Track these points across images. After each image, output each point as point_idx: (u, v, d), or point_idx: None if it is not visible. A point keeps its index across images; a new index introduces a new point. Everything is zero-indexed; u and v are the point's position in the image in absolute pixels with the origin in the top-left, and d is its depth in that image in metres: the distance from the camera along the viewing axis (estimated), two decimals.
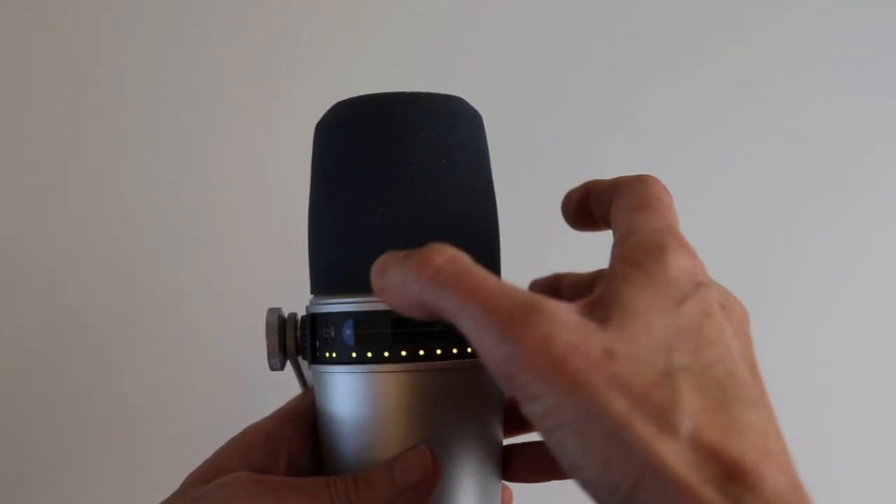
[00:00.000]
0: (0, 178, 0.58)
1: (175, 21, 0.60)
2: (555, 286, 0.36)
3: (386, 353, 0.31)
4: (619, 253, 0.26)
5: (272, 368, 0.34)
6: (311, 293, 0.34)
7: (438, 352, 0.31)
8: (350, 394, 0.32)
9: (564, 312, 0.24)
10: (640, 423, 0.22)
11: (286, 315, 0.34)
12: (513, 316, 0.23)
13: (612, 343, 0.23)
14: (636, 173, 0.30)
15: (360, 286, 0.31)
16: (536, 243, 0.64)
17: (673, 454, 0.22)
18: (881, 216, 0.68)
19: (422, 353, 0.31)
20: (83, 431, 0.58)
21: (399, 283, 0.26)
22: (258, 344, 0.58)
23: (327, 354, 0.32)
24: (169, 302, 0.59)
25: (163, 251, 0.59)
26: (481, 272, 0.25)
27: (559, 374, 0.22)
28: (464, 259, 0.25)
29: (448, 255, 0.25)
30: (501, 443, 0.34)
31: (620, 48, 0.66)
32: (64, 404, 0.57)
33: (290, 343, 0.34)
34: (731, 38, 0.67)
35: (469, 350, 0.31)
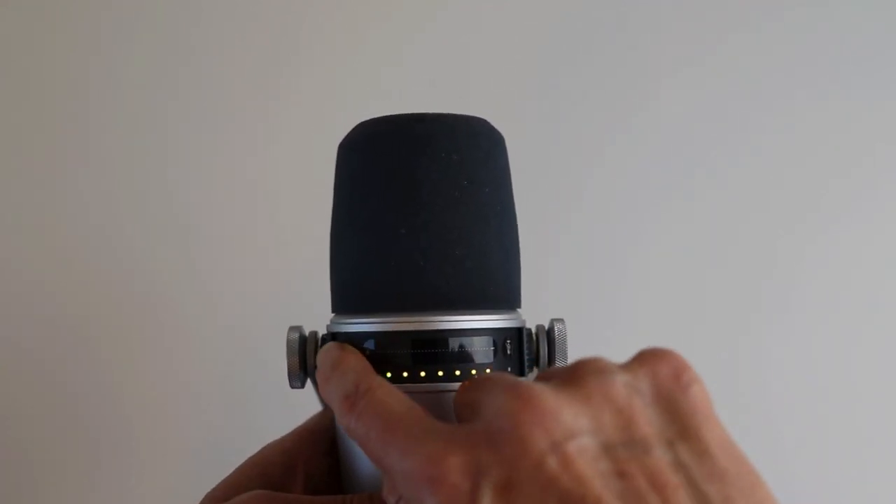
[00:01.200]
0: None
1: (174, 22, 0.61)
2: None
3: (405, 374, 0.31)
4: None
5: (292, 386, 0.34)
6: (332, 311, 0.34)
7: (457, 373, 0.31)
8: None
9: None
10: None
11: (307, 333, 0.35)
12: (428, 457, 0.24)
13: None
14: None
15: (381, 306, 0.32)
16: (536, 246, 0.64)
17: None
18: (882, 216, 0.67)
19: (440, 373, 0.31)
20: (80, 433, 0.58)
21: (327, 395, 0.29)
22: (257, 349, 0.59)
23: None
24: (168, 304, 0.59)
25: (162, 252, 0.59)
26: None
27: None
28: (379, 401, 0.27)
29: (369, 394, 0.28)
30: None
31: (622, 50, 0.66)
32: (61, 406, 0.58)
33: (311, 361, 0.34)
34: (734, 38, 0.67)
35: (488, 372, 0.31)
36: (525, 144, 0.64)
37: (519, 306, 0.35)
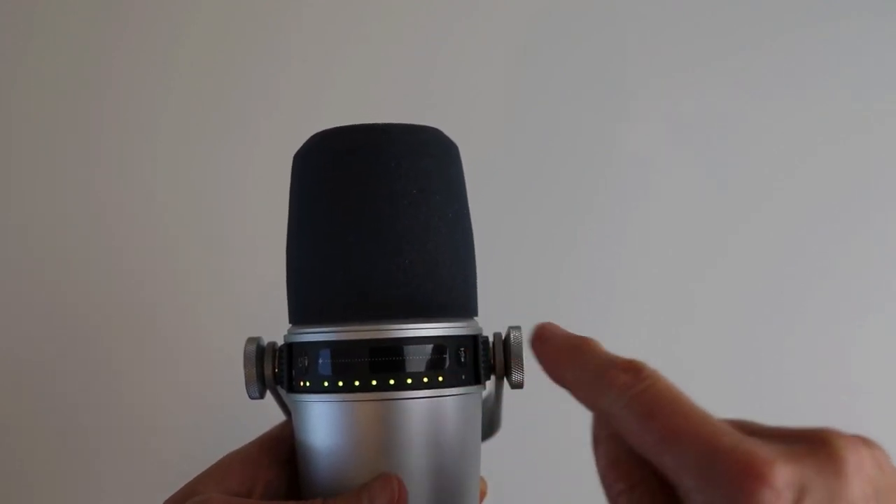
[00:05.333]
0: None
1: (164, 29, 0.62)
2: None
3: (356, 383, 0.31)
4: None
5: (251, 397, 0.34)
6: (290, 322, 0.34)
7: (409, 381, 0.31)
8: (321, 422, 0.32)
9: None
10: None
11: (265, 344, 0.35)
12: (744, 460, 0.23)
13: None
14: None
15: (335, 316, 0.32)
16: (526, 254, 0.64)
17: None
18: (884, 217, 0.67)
19: (392, 382, 0.31)
20: (78, 433, 0.59)
21: (587, 377, 0.26)
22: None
23: (301, 383, 0.32)
24: (166, 304, 0.60)
25: (160, 252, 0.60)
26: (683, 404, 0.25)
27: None
28: (666, 386, 0.25)
29: (649, 378, 0.25)
30: (478, 471, 0.34)
31: (611, 46, 0.66)
32: (59, 406, 0.59)
33: (269, 372, 0.34)
34: (738, 34, 0.67)
35: (441, 379, 0.31)
36: (524, 151, 0.65)
37: (475, 314, 0.35)
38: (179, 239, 0.61)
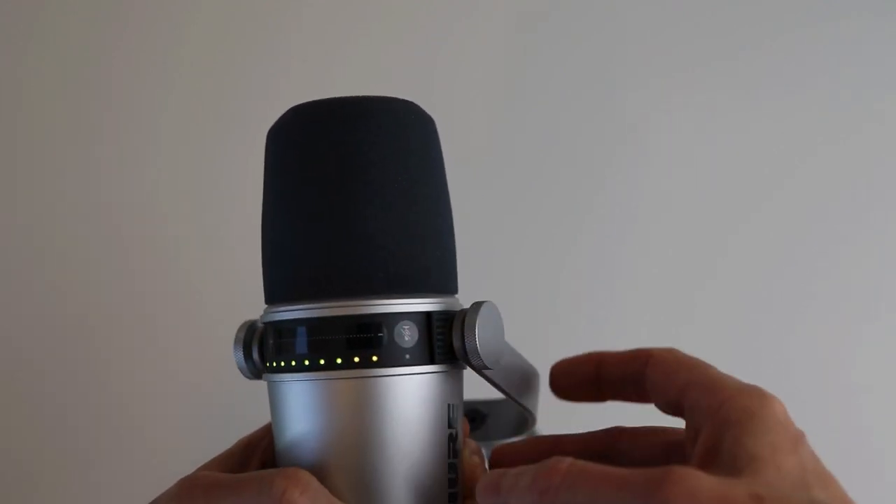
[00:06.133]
0: None
1: (164, 28, 0.62)
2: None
3: (338, 360, 0.30)
4: (719, 403, 0.28)
5: (247, 377, 0.35)
6: (266, 303, 0.34)
7: (374, 358, 0.30)
8: (289, 401, 0.31)
9: (695, 471, 0.24)
10: None
11: (257, 327, 0.34)
12: (650, 481, 0.24)
13: (755, 488, 0.24)
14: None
15: (308, 293, 0.31)
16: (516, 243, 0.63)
17: None
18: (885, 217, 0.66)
19: (339, 361, 0.30)
20: (75, 432, 0.58)
21: (524, 498, 0.27)
22: None
23: (272, 363, 0.32)
24: (163, 302, 0.60)
25: (159, 251, 0.60)
26: (599, 470, 0.26)
27: None
28: (580, 461, 0.27)
29: (568, 461, 0.27)
30: (446, 453, 0.32)
31: (607, 55, 0.66)
32: (56, 404, 0.58)
33: (257, 355, 0.34)
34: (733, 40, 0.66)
35: (375, 359, 0.30)
36: (524, 151, 0.65)
37: (455, 291, 0.34)
38: (179, 238, 0.61)
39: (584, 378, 0.35)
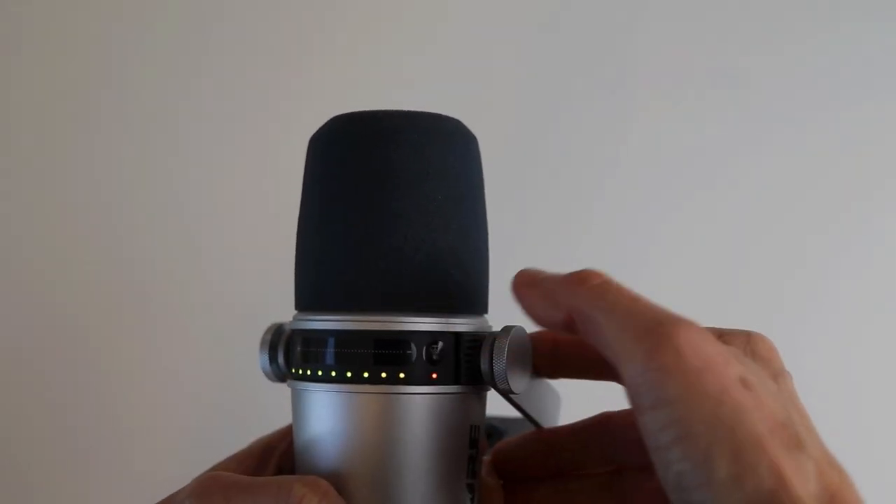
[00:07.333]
0: None
1: (183, 26, 0.61)
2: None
3: (365, 374, 0.30)
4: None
5: (270, 380, 0.35)
6: (296, 308, 0.34)
7: (401, 375, 0.30)
8: (316, 411, 0.31)
9: (705, 331, 0.25)
10: (777, 450, 0.23)
11: (284, 330, 0.34)
12: (660, 320, 0.25)
13: (746, 374, 0.25)
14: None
15: (340, 305, 0.31)
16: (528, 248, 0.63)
17: (804, 488, 0.23)
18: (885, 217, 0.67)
19: (366, 375, 0.30)
20: (73, 432, 0.58)
21: (553, 286, 0.29)
22: (252, 347, 0.59)
23: (300, 371, 0.32)
24: (163, 302, 0.59)
25: (158, 251, 0.60)
26: (631, 292, 0.27)
27: (701, 379, 0.24)
28: (616, 282, 0.28)
29: (605, 277, 0.28)
30: (465, 474, 0.33)
31: (620, 57, 0.65)
32: (54, 405, 0.58)
33: (282, 359, 0.34)
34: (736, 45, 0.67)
35: (434, 376, 0.30)
36: (523, 150, 0.64)
37: (485, 311, 0.34)
38: (180, 240, 0.60)
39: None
